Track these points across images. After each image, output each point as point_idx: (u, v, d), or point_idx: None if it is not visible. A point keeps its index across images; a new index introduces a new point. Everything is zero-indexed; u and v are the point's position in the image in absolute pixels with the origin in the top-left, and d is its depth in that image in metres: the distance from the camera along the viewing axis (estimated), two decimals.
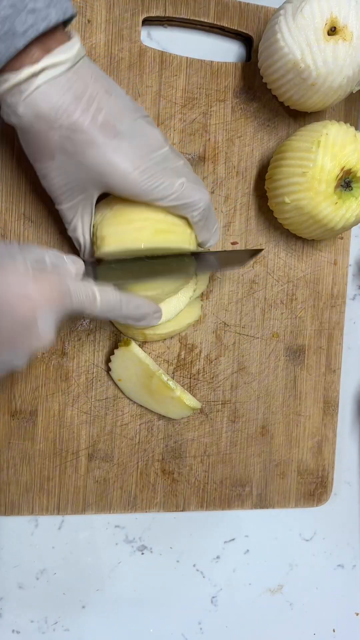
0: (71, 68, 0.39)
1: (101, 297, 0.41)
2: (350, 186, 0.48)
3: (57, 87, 0.39)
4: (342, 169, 0.47)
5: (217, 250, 0.52)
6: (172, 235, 0.44)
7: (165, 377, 0.51)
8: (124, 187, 0.41)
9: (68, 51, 0.39)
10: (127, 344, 0.50)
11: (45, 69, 0.38)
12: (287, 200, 0.49)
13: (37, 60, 0.38)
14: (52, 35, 0.39)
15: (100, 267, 0.45)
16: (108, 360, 0.51)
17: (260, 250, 0.53)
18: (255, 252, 0.52)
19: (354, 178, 0.47)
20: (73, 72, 0.40)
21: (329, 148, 0.47)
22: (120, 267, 0.45)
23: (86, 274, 0.43)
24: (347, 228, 0.50)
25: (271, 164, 0.52)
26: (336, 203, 0.47)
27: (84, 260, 0.43)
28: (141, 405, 0.53)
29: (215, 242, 0.48)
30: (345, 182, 0.47)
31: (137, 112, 0.43)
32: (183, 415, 0.52)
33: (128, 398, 0.53)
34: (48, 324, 0.38)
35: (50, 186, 0.43)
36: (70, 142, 0.40)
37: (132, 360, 0.50)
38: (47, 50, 0.38)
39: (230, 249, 0.54)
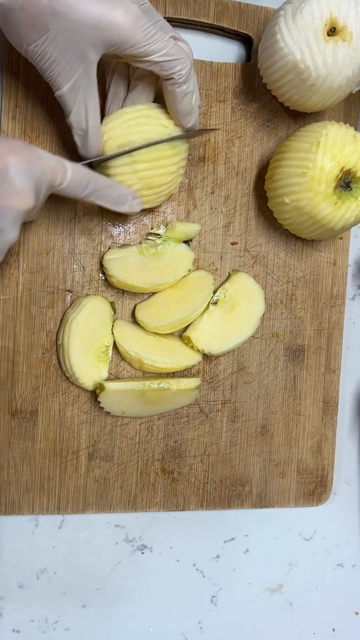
0: None
1: (72, 168, 0.42)
2: (349, 186, 0.48)
3: None
4: (341, 169, 0.47)
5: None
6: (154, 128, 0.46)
7: (154, 385, 0.51)
8: (120, 35, 0.41)
9: None
10: (102, 388, 0.50)
11: None
12: (286, 200, 0.49)
13: None
14: None
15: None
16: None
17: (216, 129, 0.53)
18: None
19: (353, 178, 0.48)
20: None
21: (328, 148, 0.47)
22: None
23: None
24: (346, 228, 0.50)
25: (271, 164, 0.52)
26: (336, 203, 0.47)
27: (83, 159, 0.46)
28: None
29: (195, 120, 0.47)
30: (345, 182, 0.48)
31: None
32: (195, 394, 0.53)
33: (139, 417, 0.53)
34: (23, 179, 0.39)
35: (48, 66, 0.42)
36: (59, 2, 0.39)
37: (117, 395, 0.50)
38: None
39: (230, 247, 0.54)
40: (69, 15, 0.40)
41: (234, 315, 0.53)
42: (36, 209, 0.41)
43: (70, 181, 0.42)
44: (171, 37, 0.43)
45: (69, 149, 0.50)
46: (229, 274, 0.54)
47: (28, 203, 0.39)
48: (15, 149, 0.39)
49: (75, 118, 0.44)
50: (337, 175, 0.47)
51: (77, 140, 0.45)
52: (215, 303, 0.53)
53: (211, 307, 0.53)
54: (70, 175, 0.42)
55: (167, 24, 0.44)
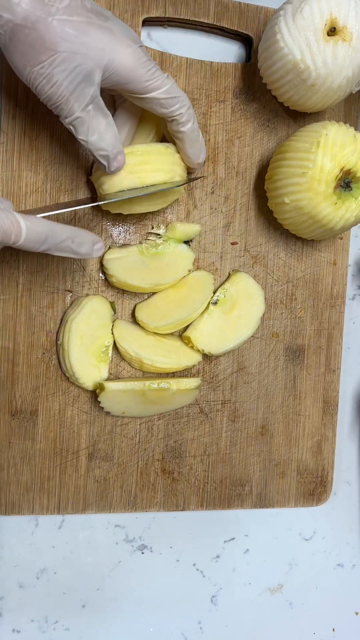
0: None
1: (27, 226, 0.39)
2: (349, 186, 0.48)
3: None
4: (341, 169, 0.47)
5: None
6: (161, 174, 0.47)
7: (154, 384, 0.51)
8: (125, 64, 0.42)
9: None
10: (102, 388, 0.50)
11: None
12: (286, 200, 0.49)
13: None
14: None
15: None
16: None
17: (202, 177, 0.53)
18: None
19: (353, 178, 0.48)
20: None
21: (328, 148, 0.47)
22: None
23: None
24: (346, 228, 0.50)
25: (271, 164, 0.52)
26: (336, 203, 0.47)
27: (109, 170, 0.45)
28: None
29: (203, 158, 0.49)
30: (345, 182, 0.48)
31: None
32: (195, 394, 0.53)
33: (139, 417, 0.53)
34: None
35: (55, 89, 0.41)
36: (70, 25, 0.40)
37: (117, 395, 0.50)
38: None
39: (230, 246, 0.54)
40: (78, 37, 0.40)
41: (234, 315, 0.53)
42: None
43: (23, 242, 0.40)
44: (168, 75, 0.44)
45: (69, 149, 0.50)
46: (229, 274, 0.54)
47: None
48: None
49: (94, 139, 0.43)
50: (337, 175, 0.47)
51: (102, 160, 0.44)
52: (215, 303, 0.53)
53: (211, 307, 0.53)
54: (25, 236, 0.39)
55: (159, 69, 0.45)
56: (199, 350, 0.52)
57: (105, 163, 0.45)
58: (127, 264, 0.50)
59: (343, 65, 0.45)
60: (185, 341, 0.53)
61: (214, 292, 0.53)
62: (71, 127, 0.43)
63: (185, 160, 0.48)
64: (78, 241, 0.43)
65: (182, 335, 0.53)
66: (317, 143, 0.47)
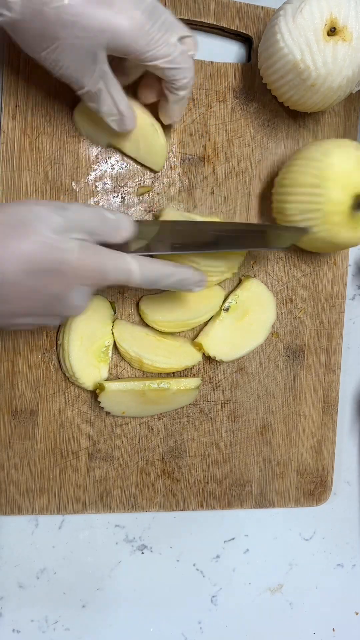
0: None
1: (141, 273, 0.42)
2: None
3: None
4: (353, 196, 0.47)
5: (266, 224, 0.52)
6: None
7: (154, 385, 0.51)
8: (125, 40, 0.42)
9: None
10: (102, 388, 0.50)
11: None
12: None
13: None
14: None
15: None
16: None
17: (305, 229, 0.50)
18: (301, 230, 0.50)
19: None
20: None
21: (337, 181, 0.46)
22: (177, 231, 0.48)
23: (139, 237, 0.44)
24: None
25: (277, 196, 0.51)
26: (355, 227, 0.48)
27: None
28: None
29: (178, 118, 0.49)
30: (359, 204, 0.47)
31: None
32: (195, 394, 0.53)
33: (139, 417, 0.53)
34: (81, 298, 0.41)
35: (64, 71, 0.43)
36: (66, 11, 0.40)
37: (117, 395, 0.50)
38: None
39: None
40: (76, 23, 0.40)
41: (245, 322, 0.53)
42: None
43: (137, 285, 0.42)
44: (178, 39, 0.43)
45: (69, 149, 0.50)
46: (240, 279, 0.54)
47: (80, 312, 0.42)
48: (82, 270, 0.39)
49: (106, 109, 0.45)
50: (351, 204, 0.47)
51: (113, 125, 0.47)
52: (227, 309, 0.53)
53: (223, 313, 0.53)
54: (139, 282, 0.42)
55: (175, 21, 0.44)
56: (209, 357, 0.52)
57: (115, 127, 0.47)
58: None
59: (343, 65, 0.45)
60: (197, 347, 0.53)
61: (226, 298, 0.53)
62: (84, 97, 0.45)
63: (160, 113, 0.49)
64: (184, 284, 0.45)
65: (193, 341, 0.53)
66: (324, 177, 0.47)
